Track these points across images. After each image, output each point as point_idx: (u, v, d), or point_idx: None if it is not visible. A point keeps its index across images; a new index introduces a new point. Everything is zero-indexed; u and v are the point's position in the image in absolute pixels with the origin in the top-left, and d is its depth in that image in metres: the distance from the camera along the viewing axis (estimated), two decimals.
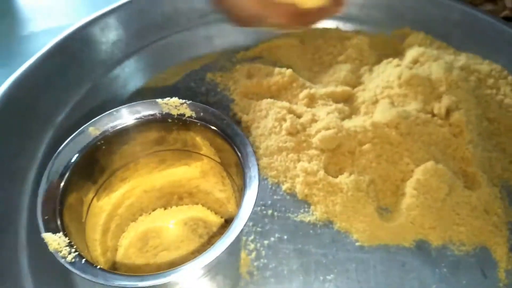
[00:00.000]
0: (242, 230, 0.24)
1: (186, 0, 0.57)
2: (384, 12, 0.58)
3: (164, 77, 0.54)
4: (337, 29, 0.57)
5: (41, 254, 0.31)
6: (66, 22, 0.58)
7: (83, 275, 0.23)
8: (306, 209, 0.41)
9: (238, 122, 0.48)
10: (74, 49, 0.49)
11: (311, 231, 0.39)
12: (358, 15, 0.58)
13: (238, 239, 0.24)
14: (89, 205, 0.29)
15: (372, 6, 0.58)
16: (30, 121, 0.44)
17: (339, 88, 0.49)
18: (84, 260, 0.24)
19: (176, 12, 0.57)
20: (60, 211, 0.25)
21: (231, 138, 0.29)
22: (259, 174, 0.26)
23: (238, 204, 0.25)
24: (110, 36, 0.52)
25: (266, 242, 0.38)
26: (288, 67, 0.51)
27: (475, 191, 0.41)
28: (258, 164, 0.26)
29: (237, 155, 0.27)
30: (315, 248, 0.38)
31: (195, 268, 0.23)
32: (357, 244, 0.38)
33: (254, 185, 0.25)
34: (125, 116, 0.30)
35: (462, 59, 0.52)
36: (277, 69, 0.50)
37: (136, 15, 0.54)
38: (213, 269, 0.27)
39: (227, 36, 0.58)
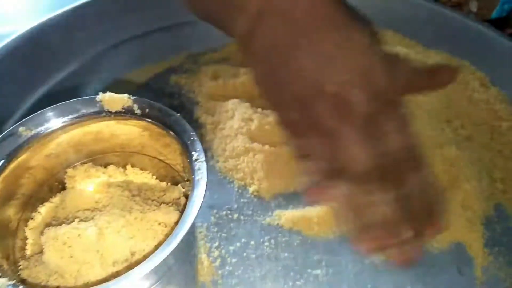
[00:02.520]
0: (190, 234, 0.21)
1: (149, 2, 0.55)
2: None
3: (125, 81, 0.51)
4: None
5: None
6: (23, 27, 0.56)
7: None
8: (274, 212, 0.38)
9: (203, 124, 0.46)
10: (26, 51, 0.46)
11: (279, 234, 0.37)
12: None
13: (188, 243, 0.21)
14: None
15: None
16: None
17: None
18: None
19: (138, 15, 0.55)
20: None
21: (179, 135, 0.26)
22: (207, 172, 0.24)
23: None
24: (65, 38, 0.50)
25: (231, 248, 0.36)
26: None
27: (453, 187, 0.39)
28: (207, 162, 0.24)
29: (186, 154, 0.25)
30: (284, 252, 0.36)
31: (135, 279, 0.20)
32: (328, 245, 0.36)
33: (202, 186, 0.23)
34: (59, 116, 0.27)
35: (431, 56, 0.52)
36: (243, 69, 0.49)
37: (94, 17, 0.52)
38: (164, 278, 0.24)
39: (193, 38, 0.56)
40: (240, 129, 0.43)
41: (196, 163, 0.24)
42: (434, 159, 0.41)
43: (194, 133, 0.25)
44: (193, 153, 0.25)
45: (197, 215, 0.23)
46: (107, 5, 0.53)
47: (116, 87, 0.50)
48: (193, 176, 0.24)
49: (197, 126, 0.46)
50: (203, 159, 0.24)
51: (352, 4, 0.26)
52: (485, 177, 0.41)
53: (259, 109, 0.46)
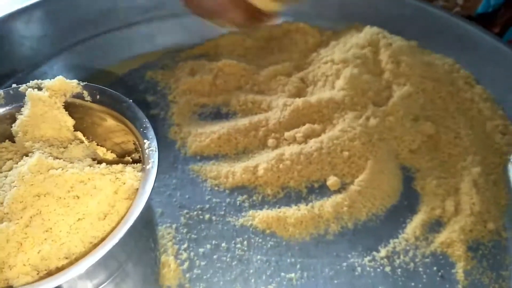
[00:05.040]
0: (150, 236, 0.19)
1: None
2: (336, 9, 0.56)
3: (99, 77, 0.49)
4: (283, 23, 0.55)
5: None
6: None
7: None
8: (248, 212, 0.36)
9: (178, 121, 0.44)
10: None
11: (252, 236, 0.35)
12: (309, 12, 0.56)
13: (145, 243, 0.19)
14: None
15: (323, 4, 0.56)
16: None
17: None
18: None
19: (113, 8, 0.53)
20: None
21: (131, 121, 0.24)
22: (157, 164, 0.22)
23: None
24: (36, 31, 0.48)
25: (201, 250, 0.34)
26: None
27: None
28: (158, 151, 0.22)
29: (137, 142, 0.23)
30: (256, 254, 0.34)
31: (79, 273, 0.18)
32: (303, 248, 0.34)
33: (152, 176, 0.21)
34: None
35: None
36: (221, 62, 0.47)
37: (67, 10, 0.50)
38: (116, 278, 0.22)
39: (171, 34, 0.54)
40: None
41: (147, 151, 0.22)
42: None
43: (146, 119, 0.24)
44: (145, 141, 0.23)
45: (148, 207, 0.21)
46: None
47: (89, 82, 0.48)
48: (143, 166, 0.22)
49: (172, 122, 0.44)
50: (155, 147, 0.22)
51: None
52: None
53: (236, 107, 0.45)
